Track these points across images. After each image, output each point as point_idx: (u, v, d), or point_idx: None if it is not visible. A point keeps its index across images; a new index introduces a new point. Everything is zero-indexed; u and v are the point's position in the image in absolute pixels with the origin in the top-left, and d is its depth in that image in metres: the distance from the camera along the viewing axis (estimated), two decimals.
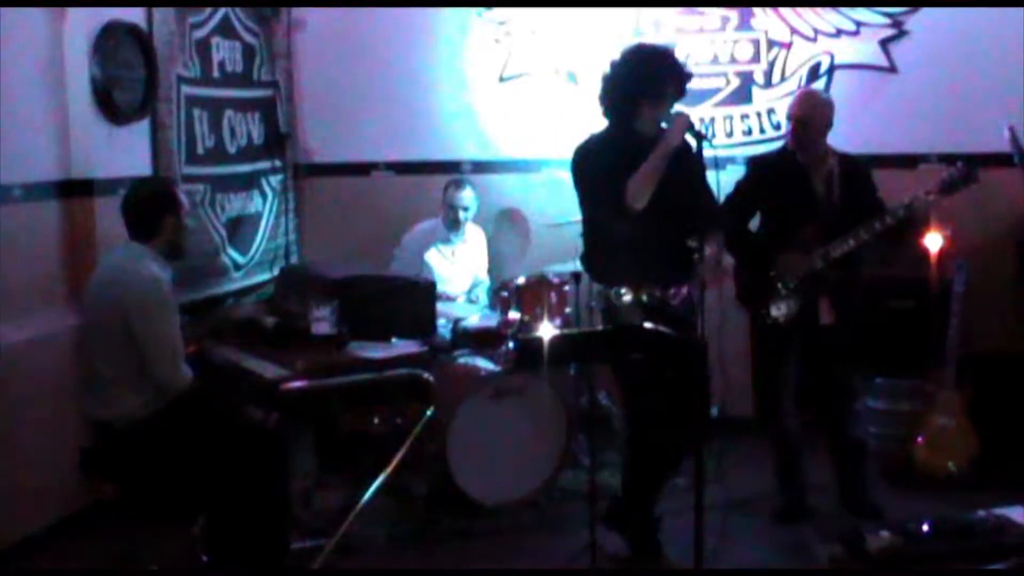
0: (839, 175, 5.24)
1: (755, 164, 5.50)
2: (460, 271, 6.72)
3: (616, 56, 4.69)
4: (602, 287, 4.75)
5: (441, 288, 6.23)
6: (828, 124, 5.25)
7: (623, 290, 4.59)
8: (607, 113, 4.70)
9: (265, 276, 6.87)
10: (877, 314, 6.01)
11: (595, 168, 4.61)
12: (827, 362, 5.32)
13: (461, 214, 6.56)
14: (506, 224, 7.07)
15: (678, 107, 4.63)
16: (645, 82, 4.56)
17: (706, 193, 4.56)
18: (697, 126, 4.57)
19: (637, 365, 4.57)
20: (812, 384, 5.39)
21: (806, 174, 5.22)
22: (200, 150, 6.21)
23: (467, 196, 6.56)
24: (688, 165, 4.52)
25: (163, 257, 4.54)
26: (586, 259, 4.88)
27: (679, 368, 4.59)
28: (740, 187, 5.38)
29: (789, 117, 5.30)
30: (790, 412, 5.37)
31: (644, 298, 4.56)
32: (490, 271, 6.89)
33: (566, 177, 6.14)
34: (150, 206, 4.56)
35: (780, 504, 5.39)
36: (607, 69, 4.69)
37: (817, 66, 6.68)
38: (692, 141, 4.47)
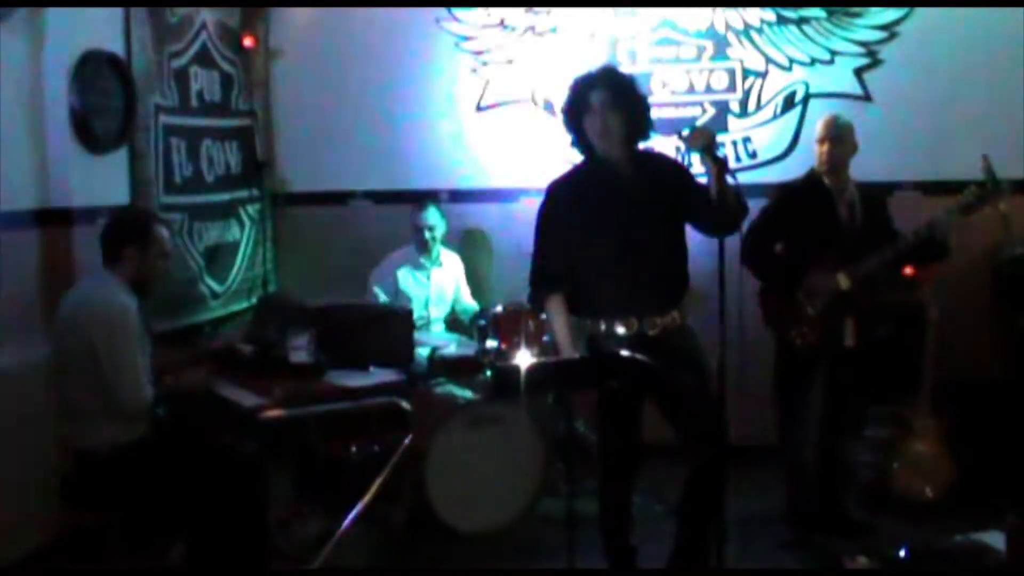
0: (859, 202, 5.31)
1: (783, 191, 5.51)
2: (435, 296, 6.70)
3: None
4: (579, 320, 4.74)
5: (417, 314, 6.23)
6: (856, 146, 5.33)
7: (600, 322, 4.60)
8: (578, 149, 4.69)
9: (243, 305, 6.87)
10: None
11: (555, 210, 4.64)
12: (847, 387, 5.37)
13: (427, 233, 6.52)
14: (470, 246, 7.08)
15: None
16: (574, 97, 4.59)
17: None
18: (718, 151, 4.47)
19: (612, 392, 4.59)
20: (828, 411, 5.40)
21: (832, 199, 5.27)
22: (178, 179, 6.21)
23: (431, 215, 6.52)
24: (657, 194, 4.53)
25: (130, 287, 4.53)
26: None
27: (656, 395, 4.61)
28: (768, 213, 5.38)
29: (821, 140, 5.29)
30: (812, 444, 5.38)
31: (620, 330, 4.56)
32: (474, 296, 6.87)
33: None
34: (113, 233, 4.60)
35: (789, 537, 5.39)
36: None
37: (792, 95, 6.72)
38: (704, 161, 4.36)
